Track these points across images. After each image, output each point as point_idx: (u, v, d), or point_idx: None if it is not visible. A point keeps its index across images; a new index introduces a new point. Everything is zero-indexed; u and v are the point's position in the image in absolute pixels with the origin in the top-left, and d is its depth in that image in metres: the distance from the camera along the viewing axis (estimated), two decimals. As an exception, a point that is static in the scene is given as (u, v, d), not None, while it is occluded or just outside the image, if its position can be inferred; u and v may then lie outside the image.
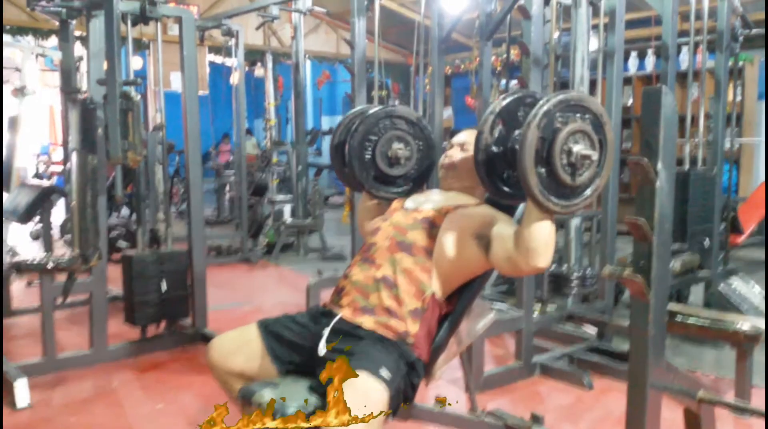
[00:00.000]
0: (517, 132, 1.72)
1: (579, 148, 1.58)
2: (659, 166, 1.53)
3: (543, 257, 1.65)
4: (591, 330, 3.58)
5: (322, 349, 1.73)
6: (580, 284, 3.52)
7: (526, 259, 1.65)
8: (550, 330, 3.63)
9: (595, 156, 1.61)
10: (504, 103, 1.75)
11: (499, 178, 1.80)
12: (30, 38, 8.32)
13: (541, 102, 1.57)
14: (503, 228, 1.77)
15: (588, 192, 1.65)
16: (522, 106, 1.75)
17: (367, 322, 1.77)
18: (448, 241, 1.84)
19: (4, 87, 6.06)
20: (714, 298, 3.88)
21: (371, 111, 2.14)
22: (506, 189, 1.81)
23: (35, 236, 7.26)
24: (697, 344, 3.59)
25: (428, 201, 2.00)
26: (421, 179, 2.22)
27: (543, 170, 1.57)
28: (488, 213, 1.89)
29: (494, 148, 1.74)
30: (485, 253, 1.79)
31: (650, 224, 1.54)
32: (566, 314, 3.54)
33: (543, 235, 1.63)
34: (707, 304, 4.00)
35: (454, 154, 2.05)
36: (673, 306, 1.91)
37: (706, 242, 3.88)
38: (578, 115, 1.60)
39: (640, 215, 1.55)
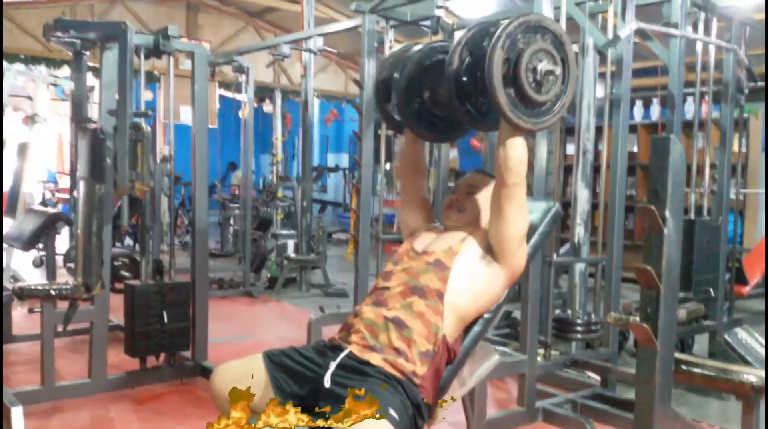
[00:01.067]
0: (482, 62, 1.76)
1: (543, 65, 1.69)
2: (667, 213, 1.54)
3: (518, 170, 1.80)
4: (595, 376, 3.55)
5: (327, 381, 1.71)
6: (584, 330, 3.50)
7: (506, 174, 1.80)
8: (553, 375, 3.59)
9: (558, 71, 1.72)
10: (469, 33, 1.82)
11: (473, 107, 1.88)
12: (43, 68, 8.45)
13: (503, 24, 1.68)
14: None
15: (555, 108, 1.76)
16: (487, 37, 1.79)
17: (375, 358, 1.76)
18: (463, 275, 1.87)
19: (16, 115, 6.12)
20: (719, 348, 3.85)
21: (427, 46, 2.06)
22: (478, 115, 1.90)
23: (38, 263, 7.25)
24: (701, 394, 3.55)
25: (436, 242, 2.01)
26: (458, 130, 2.19)
27: (511, 90, 1.68)
28: (484, 231, 1.96)
29: (464, 78, 1.80)
30: (496, 257, 1.88)
31: (657, 272, 1.54)
32: (570, 360, 3.51)
33: (517, 151, 1.79)
34: (712, 354, 3.97)
35: (462, 196, 2.07)
36: (678, 355, 1.90)
37: (711, 292, 3.86)
38: (539, 35, 1.71)
39: (647, 263, 1.55)
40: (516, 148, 1.79)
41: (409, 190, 2.18)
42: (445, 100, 1.99)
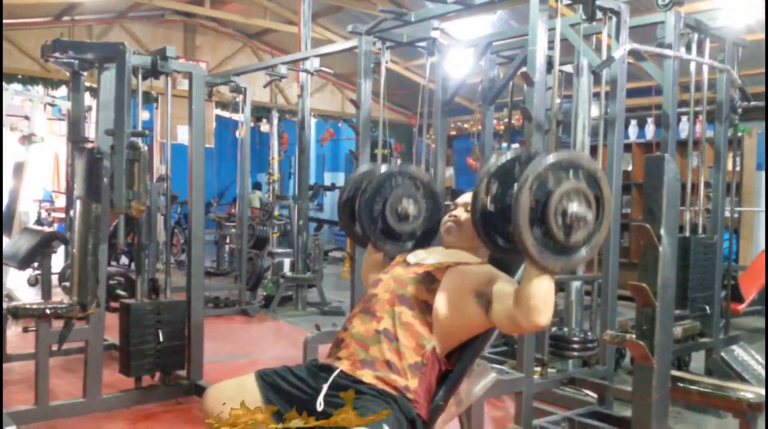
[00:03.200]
0: (514, 189, 1.70)
1: (574, 208, 1.58)
2: (662, 231, 1.55)
3: (543, 315, 1.64)
4: (592, 394, 3.54)
5: (320, 404, 1.71)
6: (581, 348, 3.50)
7: (526, 316, 1.64)
8: (550, 393, 3.58)
9: (590, 216, 1.60)
10: (499, 163, 1.77)
11: (500, 235, 1.81)
12: (40, 88, 8.48)
13: (533, 162, 1.58)
14: (504, 286, 1.78)
15: (585, 250, 1.64)
16: (518, 163, 1.77)
17: (366, 376, 1.76)
18: (448, 298, 1.85)
19: (13, 134, 6.14)
20: (715, 366, 3.85)
21: (384, 169, 2.19)
22: (505, 244, 1.82)
23: (33, 282, 7.23)
24: (699, 412, 3.54)
25: (430, 256, 2.02)
26: (425, 238, 2.25)
27: (539, 230, 1.57)
28: (489, 271, 1.90)
29: (491, 207, 1.76)
30: (485, 311, 1.79)
31: (653, 289, 1.55)
32: (567, 377, 3.51)
33: (542, 293, 1.62)
34: (709, 371, 3.96)
35: (459, 214, 2.08)
36: (675, 372, 1.90)
37: (707, 309, 3.86)
38: (571, 173, 1.60)
39: (642, 280, 1.56)
40: (541, 288, 1.62)
41: (369, 279, 2.24)
42: (413, 215, 2.18)
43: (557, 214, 1.56)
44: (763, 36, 5.24)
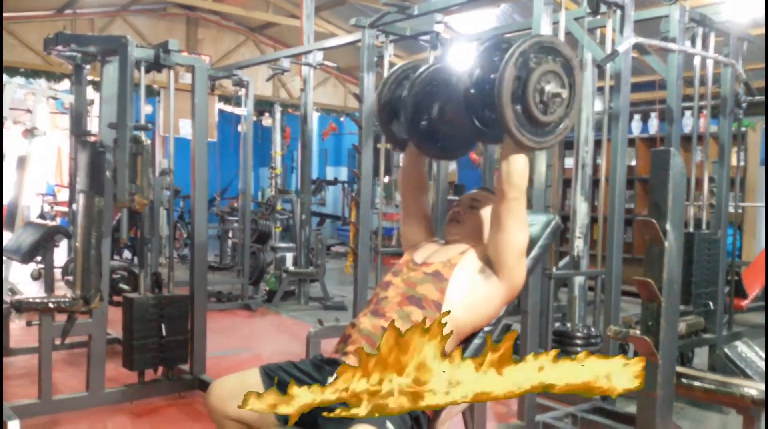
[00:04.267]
0: (492, 75, 1.79)
1: (550, 87, 1.72)
2: (668, 226, 1.54)
3: (519, 185, 1.83)
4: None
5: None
6: (584, 343, 3.50)
7: (508, 187, 1.83)
8: (552, 389, 3.57)
9: (564, 94, 1.75)
10: (481, 48, 1.87)
11: (478, 119, 1.90)
12: (43, 81, 8.47)
13: (517, 42, 1.70)
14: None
15: (558, 130, 1.79)
16: (497, 51, 1.83)
17: (372, 371, 1.75)
18: (461, 288, 1.88)
19: (16, 128, 6.13)
20: (719, 362, 3.84)
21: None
22: (484, 129, 1.91)
23: (36, 276, 7.23)
24: (702, 408, 3.53)
25: (436, 254, 2.02)
26: (463, 147, 2.22)
27: (518, 107, 1.70)
28: (482, 246, 1.97)
29: (473, 90, 1.82)
30: (495, 271, 1.88)
31: (659, 285, 1.54)
32: (569, 373, 3.50)
33: (519, 166, 1.82)
34: (712, 367, 3.95)
35: (464, 210, 2.08)
36: (678, 368, 1.90)
37: (711, 305, 3.85)
38: (550, 57, 1.74)
39: (648, 275, 1.55)
40: (518, 164, 1.81)
41: (410, 206, 2.19)
42: (452, 118, 2.01)
43: (536, 91, 1.70)
44: (768, 30, 5.22)
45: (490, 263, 1.90)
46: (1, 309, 3.89)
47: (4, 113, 5.86)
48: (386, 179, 7.79)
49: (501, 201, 1.86)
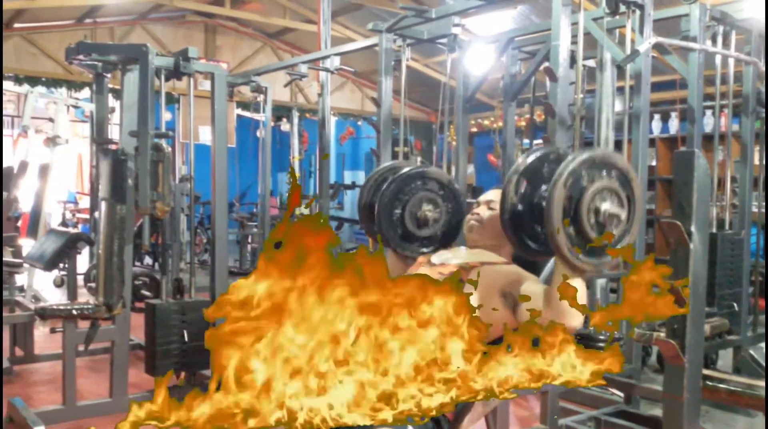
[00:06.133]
0: (543, 188, 1.71)
1: (606, 206, 1.56)
2: (693, 228, 1.52)
3: (576, 317, 1.59)
4: (618, 393, 3.50)
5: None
6: (607, 346, 3.46)
7: (557, 318, 1.58)
8: (576, 392, 3.55)
9: (623, 214, 1.59)
10: (528, 161, 1.74)
11: (527, 235, 1.78)
12: (64, 90, 8.57)
13: (567, 160, 1.56)
14: (532, 286, 1.75)
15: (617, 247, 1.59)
16: (546, 163, 1.74)
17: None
18: (473, 298, 1.83)
19: (38, 136, 6.21)
20: (744, 364, 3.79)
21: (403, 170, 2.17)
22: (534, 245, 1.79)
23: (59, 283, 7.31)
24: (728, 411, 3.49)
25: (454, 256, 2.01)
26: (447, 239, 2.23)
27: (571, 229, 1.55)
28: (515, 271, 1.88)
29: (520, 206, 1.73)
30: (512, 312, 1.77)
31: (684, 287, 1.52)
32: (592, 376, 3.47)
33: (573, 295, 1.56)
34: (737, 369, 3.90)
35: (482, 213, 2.06)
36: (704, 371, 1.87)
37: (735, 306, 3.80)
38: (604, 172, 1.59)
39: (673, 278, 1.53)
40: (573, 292, 1.59)
41: None
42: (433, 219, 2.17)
43: (590, 211, 1.54)
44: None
45: (514, 302, 1.78)
46: (1, 314, 3.93)
47: (26, 122, 5.96)
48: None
49: (544, 312, 1.63)
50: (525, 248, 1.81)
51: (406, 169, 2.19)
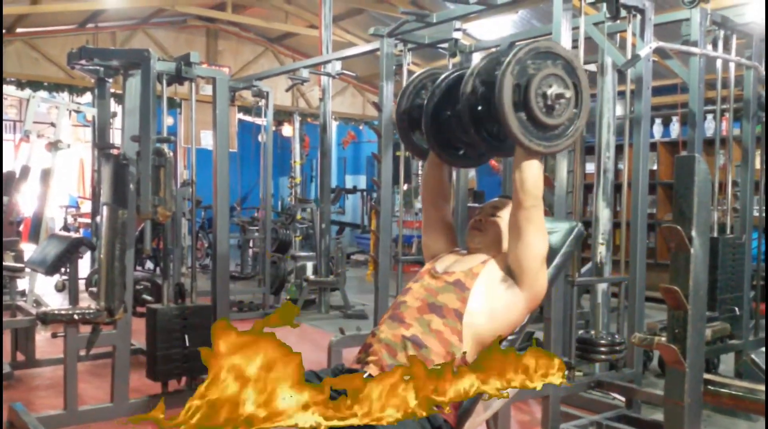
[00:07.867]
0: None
1: (552, 89, 1.70)
2: (693, 233, 1.52)
3: (534, 192, 1.81)
4: (619, 397, 3.50)
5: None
6: (608, 350, 3.46)
7: (523, 195, 1.81)
8: (577, 396, 3.55)
9: (568, 94, 1.73)
10: (481, 63, 1.85)
11: (490, 135, 1.90)
12: (65, 95, 8.59)
13: (513, 51, 1.70)
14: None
15: (569, 132, 1.77)
16: (498, 65, 1.80)
17: (392, 380, 1.75)
18: (483, 297, 1.86)
19: (40, 141, 6.23)
20: (746, 368, 3.78)
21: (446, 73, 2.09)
22: (497, 144, 1.92)
23: (60, 287, 7.32)
24: (729, 415, 3.48)
25: (457, 263, 2.01)
26: (484, 155, 2.21)
27: (522, 114, 1.69)
28: (503, 257, 1.95)
29: (479, 107, 1.82)
30: (517, 281, 1.87)
31: (685, 292, 1.52)
32: (594, 381, 3.47)
33: (532, 173, 1.80)
34: (738, 374, 3.90)
35: (485, 218, 2.07)
36: (705, 375, 1.87)
37: (736, 311, 3.81)
38: (549, 61, 1.73)
39: (674, 283, 1.53)
40: (531, 171, 1.79)
41: (432, 215, 2.18)
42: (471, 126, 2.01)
43: (538, 96, 1.69)
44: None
45: (512, 272, 1.89)
46: (2, 318, 3.93)
47: (28, 127, 5.97)
48: (405, 187, 7.80)
49: (518, 210, 1.85)
50: (490, 147, 1.95)
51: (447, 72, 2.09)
